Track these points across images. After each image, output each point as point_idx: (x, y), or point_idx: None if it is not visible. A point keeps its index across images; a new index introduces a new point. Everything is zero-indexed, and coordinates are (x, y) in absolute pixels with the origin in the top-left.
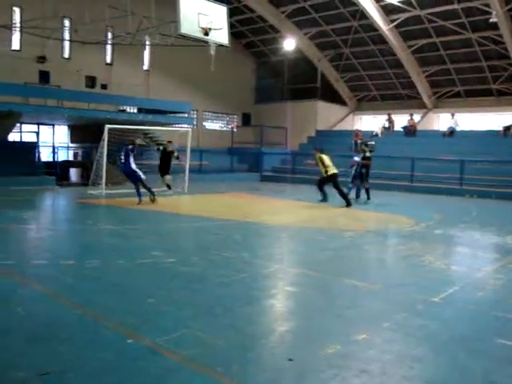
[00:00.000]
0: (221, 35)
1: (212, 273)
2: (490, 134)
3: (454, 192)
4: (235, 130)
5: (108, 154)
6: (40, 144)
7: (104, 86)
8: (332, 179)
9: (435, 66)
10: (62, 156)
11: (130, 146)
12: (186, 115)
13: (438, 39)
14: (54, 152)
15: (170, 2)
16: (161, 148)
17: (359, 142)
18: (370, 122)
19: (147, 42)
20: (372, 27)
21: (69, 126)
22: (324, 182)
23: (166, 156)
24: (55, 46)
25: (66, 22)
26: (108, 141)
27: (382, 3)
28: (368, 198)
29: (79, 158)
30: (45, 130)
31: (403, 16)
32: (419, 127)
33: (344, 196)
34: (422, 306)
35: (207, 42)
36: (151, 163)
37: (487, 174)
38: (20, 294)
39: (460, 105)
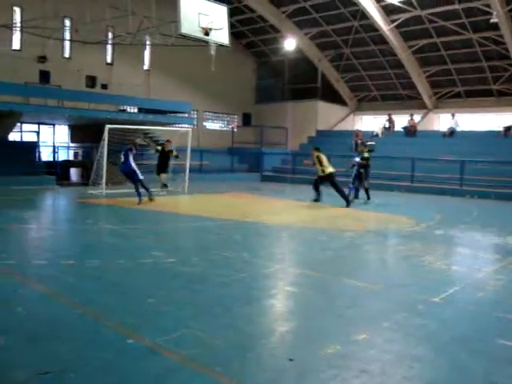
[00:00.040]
0: (221, 35)
1: (212, 273)
2: (491, 135)
3: (455, 192)
4: (235, 130)
5: (108, 154)
6: (40, 144)
7: (104, 86)
8: (329, 178)
9: (436, 66)
10: (63, 156)
11: (129, 146)
12: (186, 115)
13: (438, 39)
14: (54, 152)
15: (170, 1)
16: (159, 148)
17: (359, 142)
18: (371, 123)
19: (148, 42)
20: (372, 27)
21: (69, 126)
22: (321, 181)
23: (165, 155)
24: (56, 46)
25: (67, 22)
26: (108, 141)
27: (383, 3)
28: (368, 198)
29: (79, 158)
30: (45, 130)
31: (404, 16)
32: (419, 127)
33: (344, 195)
34: (422, 306)
35: (207, 41)
36: (151, 163)
37: (487, 175)
38: (21, 293)
39: (460, 105)
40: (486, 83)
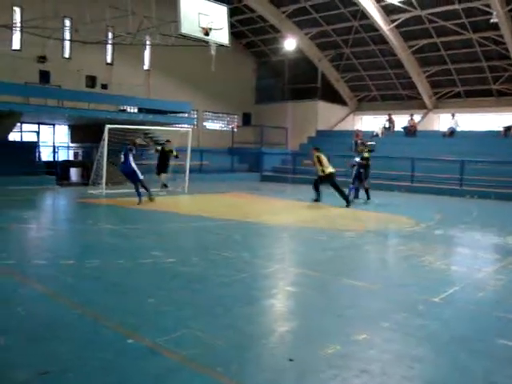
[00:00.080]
0: (221, 35)
1: (212, 273)
2: (491, 135)
3: (455, 192)
4: (235, 129)
5: (108, 154)
6: (40, 144)
7: (104, 86)
8: (329, 178)
9: (436, 66)
10: (63, 156)
11: (129, 146)
12: (186, 115)
13: (438, 39)
14: (54, 152)
15: (170, 1)
16: (159, 148)
17: (359, 142)
18: (371, 123)
19: (148, 42)
20: (372, 27)
21: (69, 126)
22: (321, 181)
23: (164, 155)
24: (56, 46)
25: (67, 22)
26: (108, 141)
27: (383, 3)
28: (368, 198)
29: (79, 158)
30: (45, 130)
31: (404, 16)
32: (419, 127)
33: (344, 195)
34: (422, 306)
35: (208, 41)
36: (151, 163)
37: (487, 175)
38: (20, 293)
39: (460, 105)
40: (486, 83)
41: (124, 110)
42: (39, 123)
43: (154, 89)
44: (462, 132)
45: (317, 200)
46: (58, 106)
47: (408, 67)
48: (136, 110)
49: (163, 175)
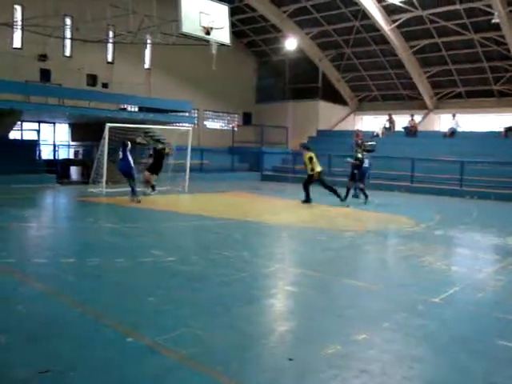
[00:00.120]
0: (222, 34)
1: (212, 272)
2: (491, 135)
3: (455, 193)
4: (236, 129)
5: (109, 153)
6: (41, 142)
7: (105, 85)
8: (319, 177)
9: (437, 66)
10: (63, 154)
11: (126, 142)
12: (186, 114)
13: (439, 40)
14: (54, 150)
15: (171, 0)
16: (160, 147)
17: (359, 142)
18: (371, 123)
19: (148, 41)
20: (374, 27)
21: (70, 124)
22: (311, 180)
23: (159, 155)
24: (56, 45)
25: (68, 21)
26: (109, 139)
27: (384, 3)
28: (366, 197)
29: (80, 157)
30: (46, 128)
31: (405, 16)
32: (420, 128)
33: (334, 191)
34: (422, 306)
35: (208, 41)
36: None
37: (488, 175)
38: (21, 292)
39: (461, 106)
40: (487, 84)
41: (124, 109)
42: (40, 121)
43: (154, 88)
44: (463, 132)
45: (307, 201)
46: (58, 105)
47: (409, 67)
48: (136, 109)
49: (154, 176)
